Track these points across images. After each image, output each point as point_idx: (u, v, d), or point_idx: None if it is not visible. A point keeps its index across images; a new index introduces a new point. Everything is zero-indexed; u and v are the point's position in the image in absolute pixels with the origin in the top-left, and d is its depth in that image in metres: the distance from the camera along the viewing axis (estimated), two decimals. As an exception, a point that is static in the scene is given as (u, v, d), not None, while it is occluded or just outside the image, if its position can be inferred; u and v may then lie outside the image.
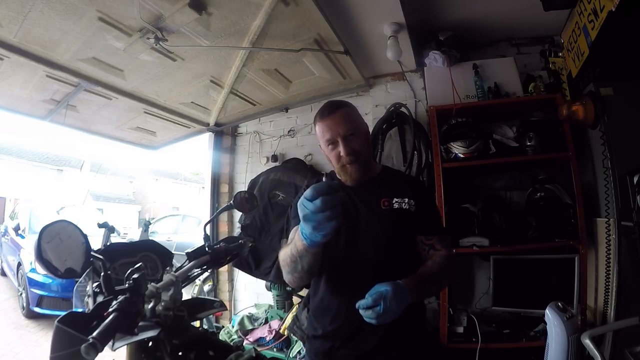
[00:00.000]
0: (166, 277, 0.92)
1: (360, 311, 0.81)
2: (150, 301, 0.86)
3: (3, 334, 3.68)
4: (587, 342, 1.57)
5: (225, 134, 3.41)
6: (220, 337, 2.62)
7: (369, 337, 0.98)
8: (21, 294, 4.35)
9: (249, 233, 2.81)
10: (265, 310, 2.85)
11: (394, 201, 1.06)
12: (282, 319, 2.63)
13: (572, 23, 1.88)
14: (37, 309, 3.93)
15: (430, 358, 1.14)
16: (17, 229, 5.28)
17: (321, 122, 1.06)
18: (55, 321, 0.75)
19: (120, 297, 0.78)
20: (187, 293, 2.74)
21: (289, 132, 3.14)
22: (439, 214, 1.18)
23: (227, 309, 3.08)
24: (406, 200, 1.06)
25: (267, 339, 2.54)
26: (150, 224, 4.24)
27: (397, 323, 0.95)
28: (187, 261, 1.08)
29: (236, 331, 2.71)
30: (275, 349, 2.49)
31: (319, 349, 1.06)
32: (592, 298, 2.03)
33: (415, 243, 1.07)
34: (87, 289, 0.97)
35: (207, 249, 1.12)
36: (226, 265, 2.35)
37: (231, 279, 3.29)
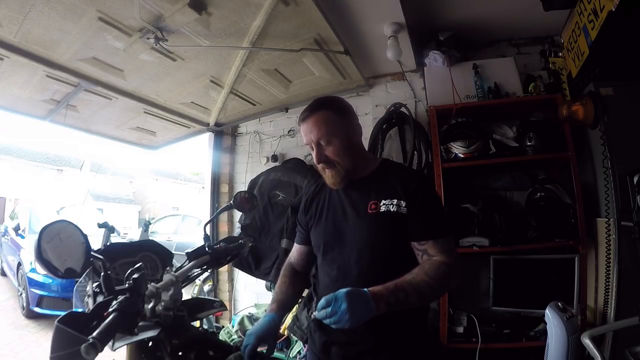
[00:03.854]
0: (166, 277, 0.92)
1: (317, 313, 0.81)
2: (150, 301, 0.86)
3: (3, 334, 3.68)
4: (587, 342, 1.57)
5: (225, 134, 3.41)
6: (220, 337, 2.62)
7: (360, 338, 0.98)
8: (21, 294, 4.35)
9: (249, 233, 2.81)
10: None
11: (382, 204, 0.98)
12: (282, 319, 2.63)
13: (572, 23, 1.88)
14: (37, 309, 3.93)
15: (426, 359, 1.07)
16: (17, 229, 5.28)
17: (300, 124, 1.05)
18: (55, 321, 0.75)
19: (120, 297, 0.78)
20: (187, 293, 2.74)
21: (289, 132, 3.14)
22: (440, 214, 1.02)
23: (227, 309, 3.08)
24: (395, 201, 0.97)
25: (267, 339, 2.54)
26: (150, 224, 4.24)
27: (389, 325, 0.95)
28: (187, 261, 1.08)
29: (236, 331, 2.71)
30: (275, 349, 2.49)
31: (317, 342, 1.07)
32: (592, 298, 2.03)
33: (411, 249, 0.98)
34: (87, 289, 0.97)
35: (207, 249, 1.12)
36: (226, 265, 2.35)
37: (231, 279, 3.29)
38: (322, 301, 0.79)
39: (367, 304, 0.79)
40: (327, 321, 0.78)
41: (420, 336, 1.05)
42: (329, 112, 1.01)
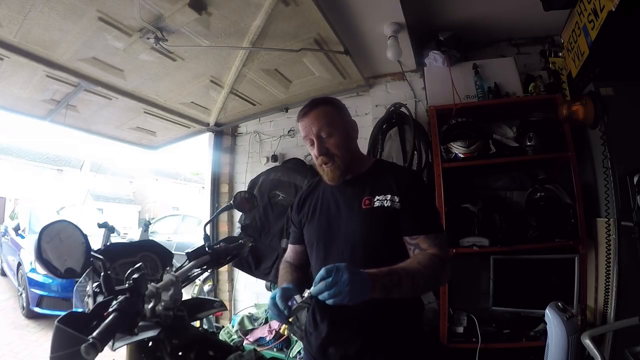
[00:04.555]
0: (166, 277, 0.92)
1: (313, 288, 0.77)
2: (150, 301, 0.86)
3: (3, 334, 3.68)
4: (587, 342, 1.57)
5: (225, 134, 3.41)
6: (220, 337, 2.62)
7: (356, 337, 0.98)
8: (21, 294, 4.35)
9: (249, 233, 2.81)
10: (265, 310, 2.84)
11: (375, 199, 1.00)
12: (282, 319, 2.63)
13: (572, 23, 1.88)
14: (37, 309, 3.93)
15: (423, 359, 1.07)
16: (17, 229, 5.28)
17: (299, 120, 1.07)
18: (55, 321, 0.75)
19: (120, 297, 0.78)
20: (187, 293, 2.74)
21: (289, 132, 3.14)
22: (432, 210, 1.05)
23: (227, 309, 3.08)
24: (389, 197, 0.99)
25: (267, 339, 2.54)
26: (150, 224, 4.23)
27: (384, 323, 0.97)
28: (187, 261, 1.08)
29: (236, 331, 2.71)
30: (275, 349, 2.49)
31: (313, 344, 1.07)
32: (592, 298, 2.03)
33: (404, 244, 0.99)
34: (87, 289, 0.97)
35: (207, 249, 1.12)
36: (226, 265, 2.35)
37: (231, 279, 3.29)
38: (322, 271, 0.76)
39: (365, 282, 0.78)
40: (324, 295, 0.75)
41: (416, 336, 1.05)
42: (329, 107, 1.06)
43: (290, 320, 0.89)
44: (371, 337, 0.97)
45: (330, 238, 1.05)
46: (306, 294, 0.80)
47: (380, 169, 1.09)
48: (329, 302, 0.75)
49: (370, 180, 1.05)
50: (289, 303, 0.84)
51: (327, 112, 1.04)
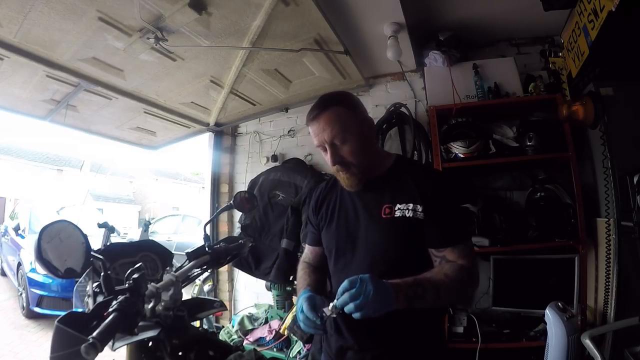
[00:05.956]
0: (166, 277, 0.92)
1: (337, 301, 0.76)
2: (150, 301, 0.86)
3: (3, 334, 3.68)
4: (587, 342, 1.57)
5: (225, 134, 3.41)
6: (220, 337, 2.62)
7: (374, 344, 0.96)
8: (21, 294, 4.35)
9: (249, 233, 2.81)
10: (265, 310, 2.84)
11: (396, 208, 0.94)
12: (282, 319, 2.63)
13: (572, 23, 1.88)
14: (37, 309, 3.93)
15: None
16: (17, 229, 5.28)
17: (309, 123, 0.98)
18: (55, 321, 0.75)
19: (120, 297, 0.78)
20: (187, 293, 2.74)
21: (289, 132, 3.14)
22: (457, 218, 0.98)
23: (227, 309, 3.08)
24: (411, 206, 0.92)
25: (267, 339, 2.54)
26: (150, 224, 4.24)
27: (404, 329, 0.93)
28: (187, 261, 1.08)
29: (236, 331, 2.70)
30: (275, 349, 2.49)
31: (332, 346, 1.04)
32: (592, 298, 2.03)
33: (428, 255, 0.94)
34: (87, 289, 0.97)
35: (207, 249, 1.12)
36: (226, 265, 2.35)
37: (231, 279, 3.29)
38: (346, 283, 0.74)
39: (389, 294, 0.76)
40: (350, 307, 0.73)
41: (436, 340, 1.02)
42: (341, 108, 0.95)
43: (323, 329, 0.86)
44: (390, 343, 0.94)
45: (348, 248, 1.00)
46: (330, 306, 0.78)
47: (400, 169, 1.01)
48: (355, 315, 0.73)
49: (391, 184, 0.98)
50: (319, 314, 0.81)
51: (339, 115, 0.93)
